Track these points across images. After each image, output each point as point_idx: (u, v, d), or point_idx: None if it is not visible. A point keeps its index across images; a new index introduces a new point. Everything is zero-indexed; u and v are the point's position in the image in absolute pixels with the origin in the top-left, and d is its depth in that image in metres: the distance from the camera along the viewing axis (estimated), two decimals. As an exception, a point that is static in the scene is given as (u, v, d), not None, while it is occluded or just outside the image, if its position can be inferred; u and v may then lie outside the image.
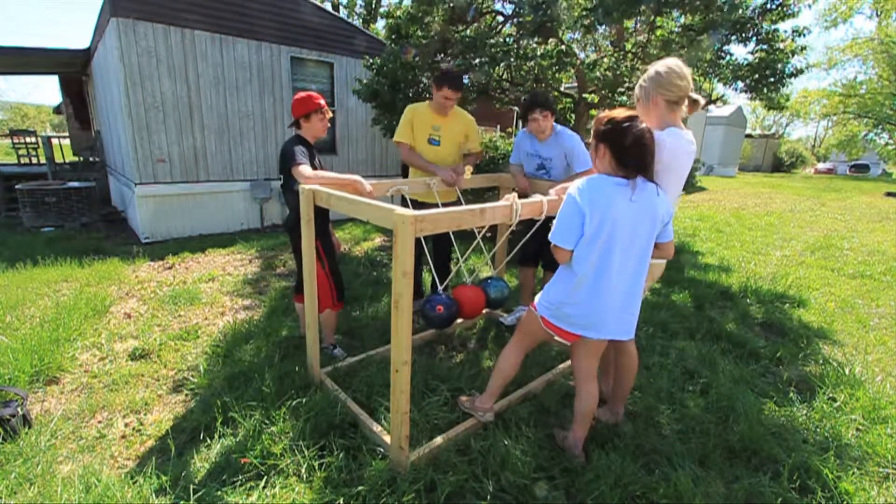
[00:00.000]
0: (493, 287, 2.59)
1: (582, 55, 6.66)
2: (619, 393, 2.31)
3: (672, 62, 1.93)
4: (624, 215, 1.70)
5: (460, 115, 3.32)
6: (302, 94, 2.72)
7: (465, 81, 6.24)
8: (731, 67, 5.12)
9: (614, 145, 1.71)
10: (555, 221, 1.79)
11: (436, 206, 2.95)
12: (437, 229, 1.79)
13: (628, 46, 5.58)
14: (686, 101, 1.98)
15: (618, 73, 5.06)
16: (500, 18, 6.11)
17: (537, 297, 2.00)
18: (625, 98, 5.43)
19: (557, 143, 3.08)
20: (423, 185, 3.04)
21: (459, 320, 2.63)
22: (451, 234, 2.37)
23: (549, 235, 1.80)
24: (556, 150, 3.10)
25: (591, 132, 1.80)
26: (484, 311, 2.59)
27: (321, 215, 2.72)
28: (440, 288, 2.63)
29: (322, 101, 2.73)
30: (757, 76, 5.00)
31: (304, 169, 2.45)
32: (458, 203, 3.21)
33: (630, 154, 1.69)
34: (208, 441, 2.16)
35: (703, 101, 2.05)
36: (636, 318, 1.92)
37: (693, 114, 2.09)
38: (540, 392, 2.57)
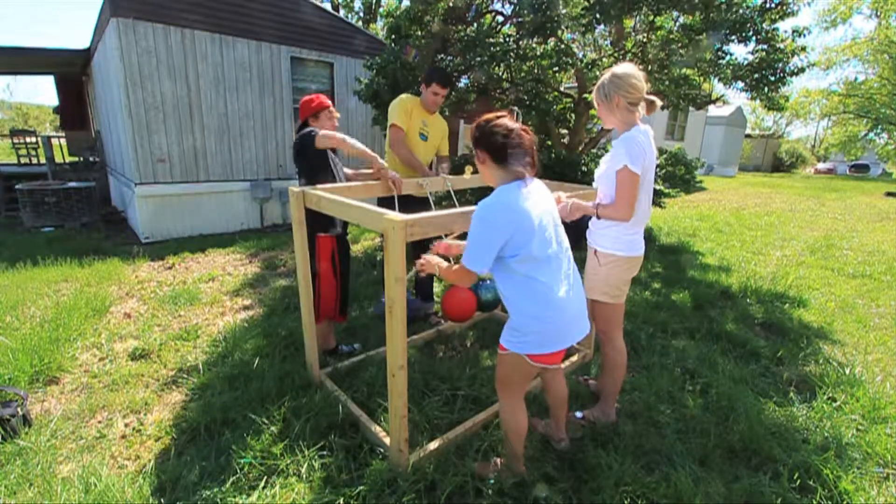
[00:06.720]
0: (485, 289, 2.57)
1: (581, 55, 6.65)
2: (612, 390, 2.31)
3: (628, 66, 1.99)
4: (540, 213, 1.60)
5: (440, 119, 3.50)
6: (308, 96, 2.77)
7: (465, 81, 6.24)
8: (731, 67, 5.11)
9: (490, 147, 1.61)
10: (469, 244, 1.60)
11: (425, 199, 2.97)
12: (428, 233, 1.78)
13: (628, 46, 5.58)
14: (643, 103, 2.02)
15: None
16: (500, 18, 6.11)
17: (504, 338, 1.73)
18: None
19: None
20: (415, 185, 3.04)
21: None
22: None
23: (463, 259, 1.61)
24: None
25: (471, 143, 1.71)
26: (476, 313, 2.55)
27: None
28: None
29: (329, 102, 2.77)
30: (757, 76, 4.99)
31: (325, 131, 2.52)
32: (448, 198, 3.25)
33: (507, 152, 1.59)
34: (208, 441, 2.16)
35: (659, 103, 2.09)
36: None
37: (651, 114, 2.11)
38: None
